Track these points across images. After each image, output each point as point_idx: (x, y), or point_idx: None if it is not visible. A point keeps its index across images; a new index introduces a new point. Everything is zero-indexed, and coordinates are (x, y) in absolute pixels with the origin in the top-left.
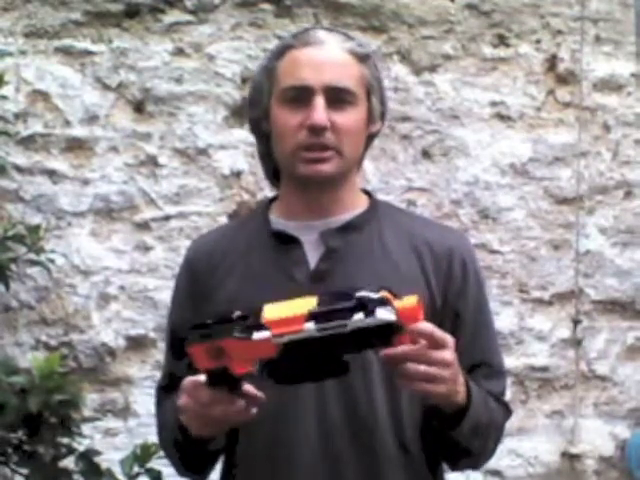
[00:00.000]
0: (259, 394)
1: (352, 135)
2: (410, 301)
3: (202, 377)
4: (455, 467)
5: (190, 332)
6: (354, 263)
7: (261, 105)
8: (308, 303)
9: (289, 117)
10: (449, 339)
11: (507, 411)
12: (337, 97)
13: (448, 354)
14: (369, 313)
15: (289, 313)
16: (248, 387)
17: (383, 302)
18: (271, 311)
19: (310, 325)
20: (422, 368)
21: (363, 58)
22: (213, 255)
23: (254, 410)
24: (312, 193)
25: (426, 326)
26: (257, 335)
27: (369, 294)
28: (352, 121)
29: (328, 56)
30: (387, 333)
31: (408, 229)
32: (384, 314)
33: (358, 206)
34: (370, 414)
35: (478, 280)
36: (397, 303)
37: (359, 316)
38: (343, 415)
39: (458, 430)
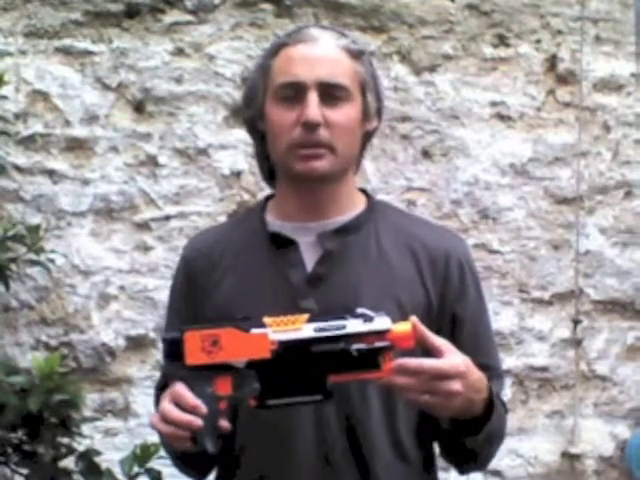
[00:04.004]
0: (226, 425)
1: (346, 132)
2: (404, 326)
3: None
4: (462, 471)
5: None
6: (350, 266)
7: (256, 104)
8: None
9: (283, 114)
10: (452, 367)
11: (506, 412)
12: (330, 93)
13: (455, 384)
14: (367, 319)
15: (289, 318)
16: (224, 423)
17: (381, 316)
18: (271, 318)
19: (309, 326)
20: (425, 397)
21: (357, 55)
22: (210, 255)
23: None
24: (308, 193)
25: (407, 363)
26: (256, 330)
27: (367, 311)
28: (346, 117)
29: (321, 52)
30: (377, 352)
31: (405, 230)
32: (382, 322)
33: (355, 207)
34: (366, 422)
35: (476, 282)
36: (393, 326)
37: (358, 321)
38: (340, 424)
39: (474, 438)
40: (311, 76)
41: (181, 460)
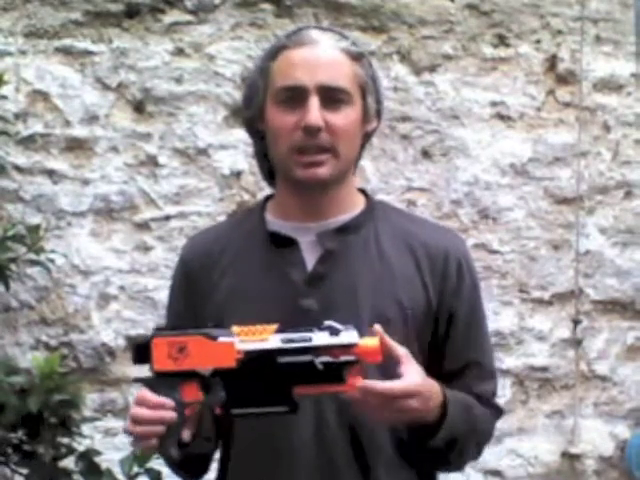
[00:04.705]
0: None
1: (347, 135)
2: (372, 341)
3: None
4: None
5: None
6: (350, 265)
7: (256, 105)
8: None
9: (284, 118)
10: (410, 389)
11: (497, 412)
12: (331, 97)
13: (412, 402)
14: (334, 332)
15: (257, 328)
16: (185, 433)
17: (349, 329)
18: (240, 327)
19: (276, 337)
20: (386, 414)
21: (357, 57)
22: (209, 255)
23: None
24: (308, 195)
25: (374, 385)
26: (223, 338)
27: (335, 324)
28: (347, 121)
29: (322, 56)
30: (343, 366)
31: (404, 230)
32: (349, 336)
33: (355, 207)
34: (368, 421)
35: (473, 281)
36: (360, 340)
37: (324, 333)
38: (341, 424)
39: (432, 443)
40: (312, 80)
41: (175, 464)
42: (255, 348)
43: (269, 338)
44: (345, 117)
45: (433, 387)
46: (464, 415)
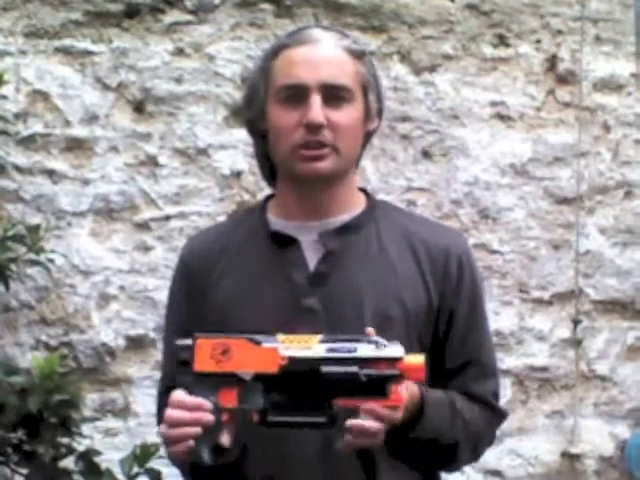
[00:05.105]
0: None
1: (349, 132)
2: (417, 358)
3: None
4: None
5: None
6: (352, 265)
7: (257, 105)
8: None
9: (285, 116)
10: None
11: (498, 414)
12: (333, 95)
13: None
14: (380, 345)
15: (302, 337)
16: (225, 438)
17: (394, 344)
18: (285, 335)
19: (320, 346)
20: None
21: (359, 55)
22: (209, 255)
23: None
24: (310, 192)
25: (363, 425)
26: (267, 344)
27: (380, 339)
28: (349, 118)
29: (323, 54)
30: (387, 380)
31: (405, 229)
32: (395, 350)
33: (356, 206)
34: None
35: (474, 279)
36: (405, 355)
37: (370, 346)
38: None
39: (408, 445)
40: (314, 78)
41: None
42: (298, 355)
43: (313, 347)
44: (347, 115)
45: (411, 400)
46: (446, 417)
